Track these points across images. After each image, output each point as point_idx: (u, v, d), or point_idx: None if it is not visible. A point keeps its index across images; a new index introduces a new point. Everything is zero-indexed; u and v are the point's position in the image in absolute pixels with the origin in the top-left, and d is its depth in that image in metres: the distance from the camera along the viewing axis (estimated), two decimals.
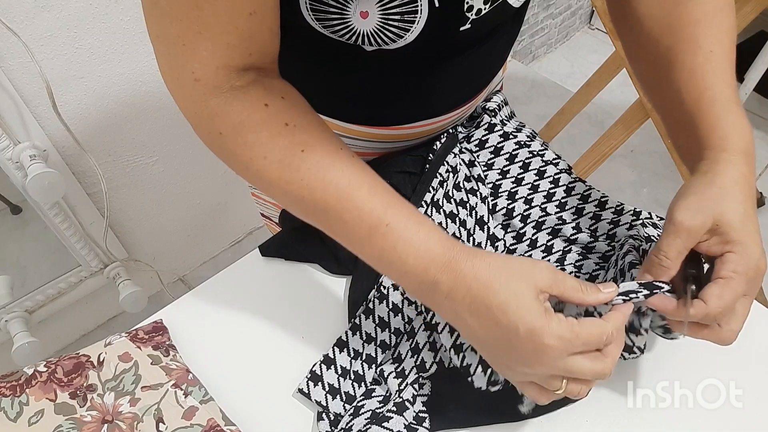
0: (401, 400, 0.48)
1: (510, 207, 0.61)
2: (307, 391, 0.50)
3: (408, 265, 0.42)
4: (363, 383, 0.52)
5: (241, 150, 0.43)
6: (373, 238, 0.42)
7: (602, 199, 0.61)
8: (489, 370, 0.50)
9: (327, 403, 0.50)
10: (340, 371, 0.52)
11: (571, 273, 0.58)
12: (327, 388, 0.51)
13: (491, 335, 0.40)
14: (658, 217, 0.59)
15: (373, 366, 0.53)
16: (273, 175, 0.43)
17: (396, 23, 0.44)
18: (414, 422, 0.47)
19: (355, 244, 0.44)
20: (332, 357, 0.52)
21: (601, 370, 0.40)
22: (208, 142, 0.45)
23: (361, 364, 0.53)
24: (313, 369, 0.52)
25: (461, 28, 0.47)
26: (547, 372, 0.40)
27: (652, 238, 0.55)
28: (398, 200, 0.44)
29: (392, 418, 0.46)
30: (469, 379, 0.50)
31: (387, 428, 0.46)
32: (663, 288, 0.43)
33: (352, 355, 0.53)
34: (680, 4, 0.49)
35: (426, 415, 0.48)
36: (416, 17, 0.43)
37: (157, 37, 0.41)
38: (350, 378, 0.52)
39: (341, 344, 0.53)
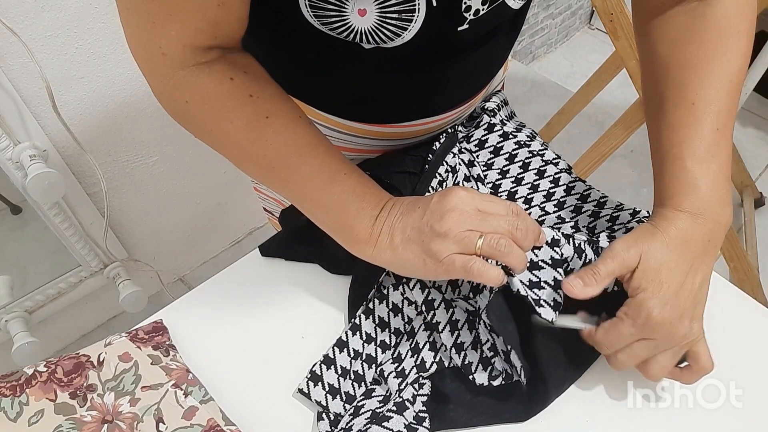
0: (401, 399, 0.48)
1: None
2: (307, 391, 0.50)
3: (364, 201, 0.48)
4: (363, 383, 0.52)
5: (208, 116, 0.47)
6: (332, 184, 0.48)
7: (601, 199, 0.61)
8: (489, 368, 0.50)
9: (327, 403, 0.50)
10: (340, 371, 0.52)
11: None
12: (327, 388, 0.51)
13: (414, 219, 0.46)
14: None
15: (373, 366, 0.53)
16: (239, 136, 0.47)
17: (394, 21, 0.44)
18: (414, 422, 0.47)
19: (313, 193, 0.49)
20: (332, 357, 0.52)
21: (515, 215, 0.45)
22: (171, 109, 0.48)
23: (361, 364, 0.53)
24: (313, 369, 0.52)
25: (459, 28, 0.47)
26: (459, 224, 0.44)
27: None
28: (350, 162, 0.50)
29: (392, 417, 0.46)
30: (471, 377, 0.50)
31: (387, 428, 0.46)
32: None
33: (352, 355, 0.53)
34: (683, 45, 0.50)
35: (426, 414, 0.48)
36: (414, 16, 0.43)
37: (127, 9, 0.42)
38: (350, 378, 0.52)
39: (341, 344, 0.53)
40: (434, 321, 0.52)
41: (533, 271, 0.49)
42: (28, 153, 0.96)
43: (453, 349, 0.51)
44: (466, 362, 0.51)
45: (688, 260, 0.46)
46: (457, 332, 0.52)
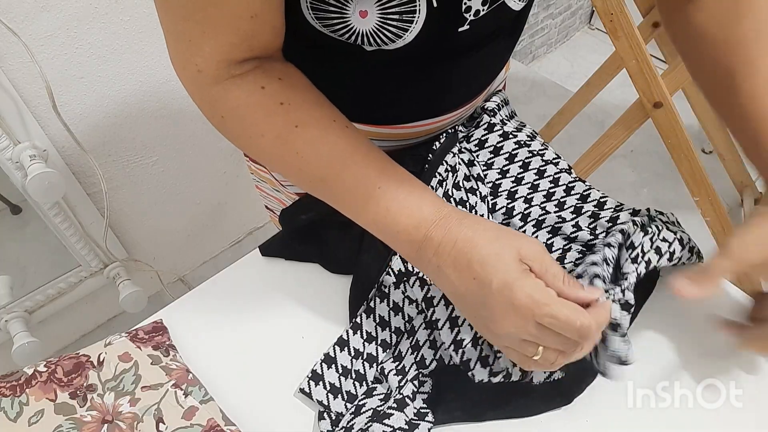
0: (401, 396, 0.48)
1: (510, 206, 0.61)
2: (308, 391, 0.50)
3: (400, 225, 0.45)
4: (364, 382, 0.52)
5: (242, 130, 0.47)
6: (367, 203, 0.45)
7: (602, 199, 0.61)
8: (489, 368, 0.50)
9: (329, 402, 0.50)
10: (341, 370, 0.52)
11: (571, 271, 0.58)
12: (328, 388, 0.51)
13: (469, 290, 0.42)
14: (656, 211, 0.59)
15: (374, 365, 0.53)
16: (272, 151, 0.47)
17: (395, 23, 0.44)
18: (415, 418, 0.47)
19: (351, 211, 0.47)
20: (333, 356, 0.52)
21: (580, 335, 0.40)
22: (214, 124, 0.48)
23: (362, 363, 0.53)
24: (314, 368, 0.52)
25: (460, 29, 0.47)
26: (517, 334, 0.41)
27: (647, 229, 0.55)
28: (391, 166, 0.47)
29: (393, 414, 0.46)
30: (470, 373, 0.50)
31: (388, 425, 0.46)
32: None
33: (353, 354, 0.53)
34: (736, 22, 0.49)
35: (428, 410, 0.48)
36: (414, 17, 0.44)
37: (167, 30, 0.43)
38: (351, 377, 0.52)
39: (342, 343, 0.53)
40: (434, 318, 0.52)
41: None
42: (28, 153, 0.96)
43: (452, 346, 0.51)
44: (465, 359, 0.51)
45: None
46: (456, 329, 0.52)
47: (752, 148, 0.49)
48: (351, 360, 0.52)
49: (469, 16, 0.46)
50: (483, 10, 0.46)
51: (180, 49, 0.43)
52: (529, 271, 0.41)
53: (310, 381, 0.51)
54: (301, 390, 0.51)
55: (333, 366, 0.52)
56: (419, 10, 0.43)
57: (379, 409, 0.48)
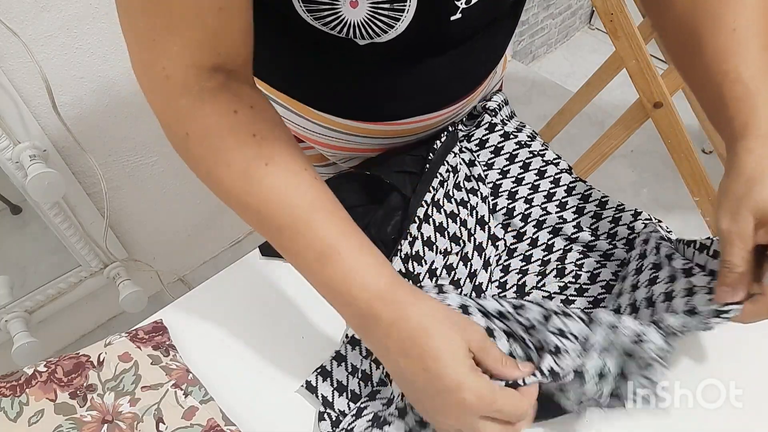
0: (403, 404, 0.48)
1: (510, 206, 0.61)
2: (315, 385, 0.50)
3: (352, 296, 0.43)
4: (370, 383, 0.52)
5: (206, 154, 0.43)
6: (323, 264, 0.43)
7: (603, 199, 0.61)
8: None
9: (332, 399, 0.50)
10: (350, 369, 0.52)
11: (572, 271, 0.58)
12: (335, 385, 0.51)
13: (417, 379, 0.41)
14: (657, 219, 0.59)
15: (381, 367, 0.53)
16: (234, 185, 0.43)
17: (385, 12, 0.44)
18: (416, 426, 0.47)
19: (303, 268, 0.45)
20: (344, 354, 0.52)
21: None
22: (174, 142, 0.45)
23: (370, 363, 0.53)
24: (324, 365, 0.52)
25: (452, 18, 0.47)
26: (458, 426, 0.41)
27: (665, 237, 0.55)
28: (354, 229, 0.44)
29: (393, 422, 0.46)
30: None
31: None
32: (732, 309, 0.42)
33: (364, 354, 0.53)
34: None
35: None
36: (405, 5, 0.44)
37: (128, 30, 0.41)
38: (358, 377, 0.52)
39: (353, 342, 0.53)
40: None
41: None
42: (28, 153, 0.96)
43: None
44: None
45: None
46: None
47: (714, 108, 0.48)
48: (361, 360, 0.52)
49: (461, 4, 0.46)
50: None
51: (144, 49, 0.40)
52: (476, 366, 0.41)
53: (318, 376, 0.51)
54: (307, 383, 0.51)
55: (343, 364, 0.52)
56: None
57: (380, 414, 0.48)
